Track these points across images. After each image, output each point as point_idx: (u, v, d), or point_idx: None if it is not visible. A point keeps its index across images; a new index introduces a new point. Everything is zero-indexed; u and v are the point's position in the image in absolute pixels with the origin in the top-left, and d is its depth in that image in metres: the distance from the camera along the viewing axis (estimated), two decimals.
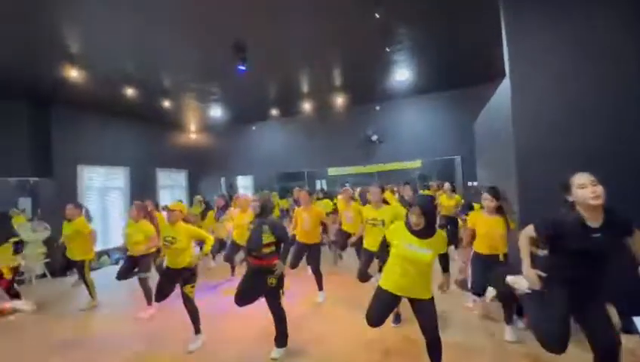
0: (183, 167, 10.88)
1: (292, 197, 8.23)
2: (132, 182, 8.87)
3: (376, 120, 8.87)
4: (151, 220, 4.17)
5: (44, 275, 6.22)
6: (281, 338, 2.92)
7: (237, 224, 4.71)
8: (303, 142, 9.84)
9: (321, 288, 4.21)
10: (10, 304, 2.48)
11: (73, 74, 5.39)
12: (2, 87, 6.30)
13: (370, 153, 8.96)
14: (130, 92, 6.49)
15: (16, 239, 4.48)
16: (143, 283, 4.03)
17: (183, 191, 10.85)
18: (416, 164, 8.65)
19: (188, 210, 4.05)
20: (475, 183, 6.64)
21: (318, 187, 9.94)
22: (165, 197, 9.67)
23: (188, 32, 4.73)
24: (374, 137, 8.82)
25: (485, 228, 2.94)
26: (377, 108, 8.79)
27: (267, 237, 2.73)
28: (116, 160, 8.57)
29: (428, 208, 2.21)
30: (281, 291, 2.89)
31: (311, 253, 4.14)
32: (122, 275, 4.14)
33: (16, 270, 4.28)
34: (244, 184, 11.38)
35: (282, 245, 2.84)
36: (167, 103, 7.47)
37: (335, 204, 6.42)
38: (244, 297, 2.83)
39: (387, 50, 5.04)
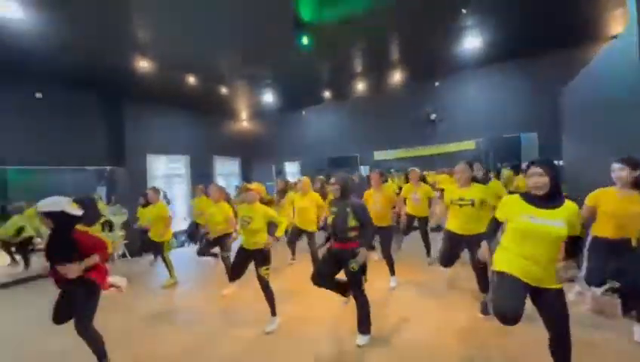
0: (236, 155, 11.21)
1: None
2: (192, 169, 9.32)
3: (435, 97, 8.20)
4: (228, 202, 4.30)
5: (124, 255, 6.81)
6: (365, 325, 2.75)
7: (298, 207, 4.65)
8: (353, 125, 9.51)
9: (393, 273, 3.99)
10: (110, 279, 2.60)
11: (142, 64, 5.66)
12: (80, 83, 6.88)
13: (427, 133, 8.35)
14: (190, 80, 6.69)
15: (105, 220, 4.94)
16: (226, 261, 4.20)
17: (236, 179, 11.21)
18: (470, 145, 7.81)
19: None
20: (561, 162, 5.77)
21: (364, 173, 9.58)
22: (221, 184, 10.04)
23: (245, 11, 4.64)
24: (433, 116, 8.19)
25: (614, 205, 2.43)
26: (437, 83, 8.11)
27: (352, 221, 2.59)
28: (178, 148, 9.04)
29: (551, 166, 1.81)
30: (363, 277, 2.70)
31: (382, 237, 3.91)
32: (202, 252, 4.39)
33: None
34: (292, 170, 11.43)
35: (365, 230, 2.66)
36: (223, 90, 7.61)
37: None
38: (321, 278, 2.73)
39: (463, 11, 4.47)
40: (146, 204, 5.02)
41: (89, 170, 7.58)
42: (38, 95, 6.54)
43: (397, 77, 7.66)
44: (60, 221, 2.24)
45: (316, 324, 3.17)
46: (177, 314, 3.74)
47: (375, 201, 3.81)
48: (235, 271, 3.31)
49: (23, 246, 5.68)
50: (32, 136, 6.42)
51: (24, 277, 5.36)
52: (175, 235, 8.39)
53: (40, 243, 5.63)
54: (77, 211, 2.32)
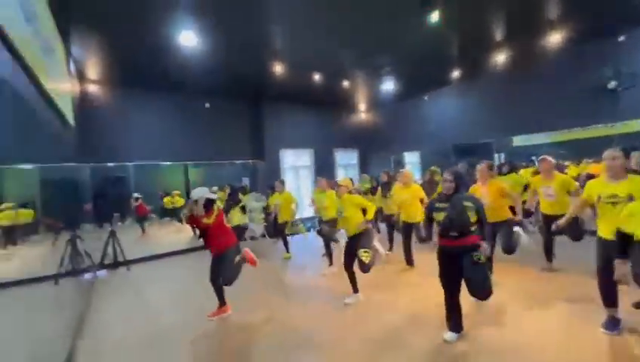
0: (355, 147, 11.45)
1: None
2: (316, 161, 10.07)
3: (618, 58, 6.09)
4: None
5: (263, 236, 8.00)
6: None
7: (400, 200, 4.47)
8: (486, 107, 8.16)
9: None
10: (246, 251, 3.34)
11: (277, 68, 6.37)
12: (232, 92, 8.37)
13: (600, 108, 6.32)
14: (316, 78, 7.14)
15: (242, 204, 6.09)
16: (332, 245, 4.73)
17: (355, 170, 11.47)
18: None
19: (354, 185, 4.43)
20: None
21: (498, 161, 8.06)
22: (341, 176, 10.48)
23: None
24: (612, 84, 6.13)
25: None
26: (621, 38, 6.00)
27: (473, 216, 2.41)
28: (304, 143, 9.92)
29: None
30: (489, 271, 2.67)
31: (500, 233, 3.48)
32: (321, 233, 4.91)
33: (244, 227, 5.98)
34: (412, 160, 10.82)
35: (483, 224, 2.49)
36: (344, 83, 7.82)
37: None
38: (453, 283, 2.51)
39: None
40: (274, 192, 6.14)
41: (237, 164, 9.23)
42: (207, 105, 8.35)
43: (554, 39, 6.05)
44: (205, 204, 3.15)
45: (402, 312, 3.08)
46: (287, 286, 4.36)
47: (482, 195, 3.30)
48: (345, 259, 3.49)
49: None
50: (202, 137, 8.25)
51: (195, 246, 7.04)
52: (303, 221, 9.34)
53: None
54: (214, 196, 3.30)
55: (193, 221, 3.23)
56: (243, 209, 6.77)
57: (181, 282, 4.99)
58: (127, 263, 5.81)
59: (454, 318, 2.54)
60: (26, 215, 6.74)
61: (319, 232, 4.89)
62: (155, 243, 7.67)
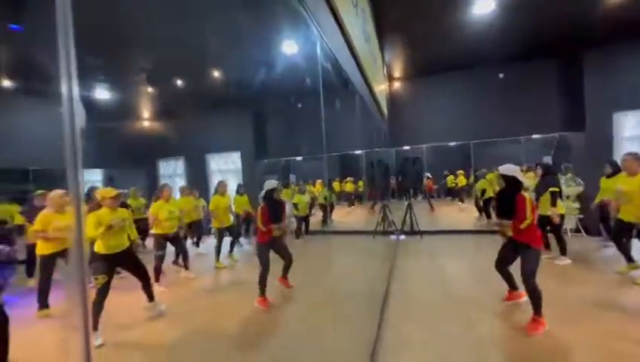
0: None
1: None
2: None
3: None
4: None
5: (577, 230, 6.12)
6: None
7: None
8: None
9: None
10: None
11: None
12: (531, 52, 6.84)
13: None
14: None
15: (554, 190, 4.49)
16: None
17: None
18: None
19: None
20: None
21: None
22: None
23: None
24: None
25: None
26: None
27: None
28: None
29: None
30: None
31: None
32: None
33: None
34: None
35: None
36: None
37: None
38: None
39: None
40: (612, 173, 4.38)
41: (534, 139, 7.57)
42: (500, 75, 7.49)
43: None
44: (510, 183, 2.77)
45: None
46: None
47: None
48: None
49: (485, 204, 7.05)
50: (493, 113, 7.53)
51: (485, 229, 6.65)
52: None
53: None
54: (524, 180, 2.82)
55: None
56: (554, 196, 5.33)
57: (468, 258, 5.01)
58: (421, 233, 6.67)
59: None
60: (356, 186, 9.42)
61: None
62: (441, 219, 8.22)
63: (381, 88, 4.96)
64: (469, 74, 7.71)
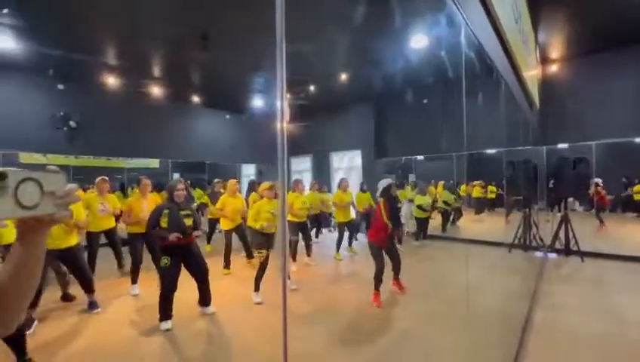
0: None
1: None
2: None
3: None
4: None
5: None
6: None
7: None
8: None
9: None
10: None
11: None
12: None
13: None
14: None
15: None
16: None
17: None
18: None
19: None
20: None
21: None
22: None
23: None
24: None
25: None
26: None
27: None
28: None
29: None
30: None
31: None
32: None
33: None
34: None
35: None
36: None
37: None
38: None
39: None
40: None
41: None
42: None
43: None
44: None
45: None
46: None
47: None
48: None
49: None
50: None
51: None
52: None
53: None
54: None
55: None
56: None
57: None
58: (582, 253, 5.24)
59: None
60: (485, 191, 8.31)
61: None
62: (615, 239, 6.23)
63: (532, 74, 4.16)
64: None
